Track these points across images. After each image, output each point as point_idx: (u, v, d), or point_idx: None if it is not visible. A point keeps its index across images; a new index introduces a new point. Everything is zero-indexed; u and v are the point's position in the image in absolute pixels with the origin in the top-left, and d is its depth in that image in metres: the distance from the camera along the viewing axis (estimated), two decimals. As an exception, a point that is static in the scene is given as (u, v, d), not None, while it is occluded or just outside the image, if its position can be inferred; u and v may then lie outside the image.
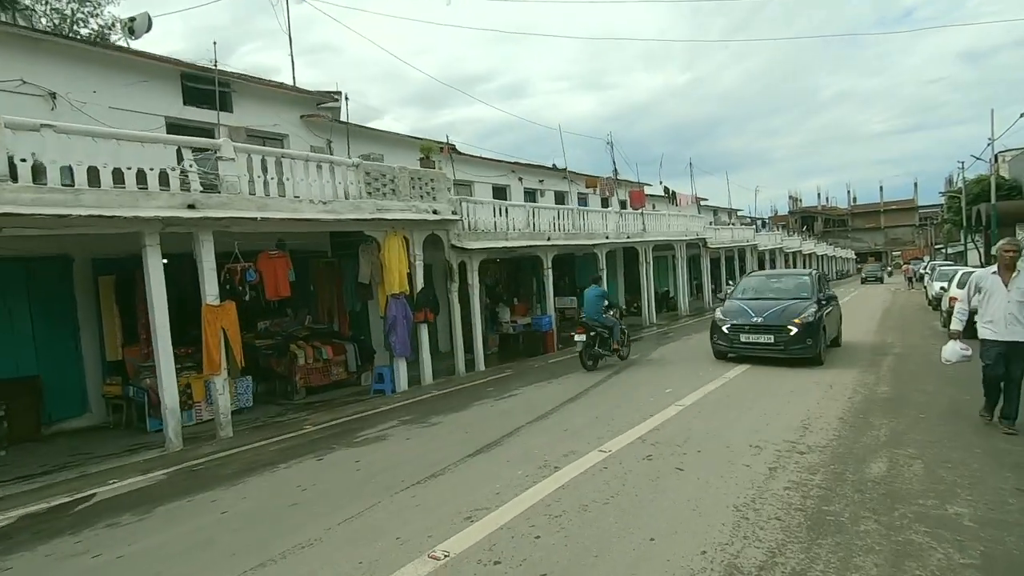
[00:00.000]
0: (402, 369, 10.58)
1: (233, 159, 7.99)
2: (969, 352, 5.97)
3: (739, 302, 11.15)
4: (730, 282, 26.09)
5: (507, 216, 13.28)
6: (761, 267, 34.71)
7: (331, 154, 11.83)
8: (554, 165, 20.29)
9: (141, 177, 7.07)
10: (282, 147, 11.73)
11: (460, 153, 16.48)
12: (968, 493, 4.23)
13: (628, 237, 18.83)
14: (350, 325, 12.36)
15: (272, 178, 8.58)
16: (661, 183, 24.66)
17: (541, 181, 20.01)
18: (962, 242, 38.27)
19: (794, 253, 46.04)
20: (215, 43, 10.37)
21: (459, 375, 11.85)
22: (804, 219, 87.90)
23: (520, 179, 19.02)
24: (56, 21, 17.75)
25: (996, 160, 25.74)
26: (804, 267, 48.53)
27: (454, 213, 11.81)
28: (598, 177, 19.09)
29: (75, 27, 17.92)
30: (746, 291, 11.88)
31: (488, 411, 7.95)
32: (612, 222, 17.95)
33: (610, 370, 10.67)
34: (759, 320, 10.12)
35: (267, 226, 8.49)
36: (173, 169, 7.37)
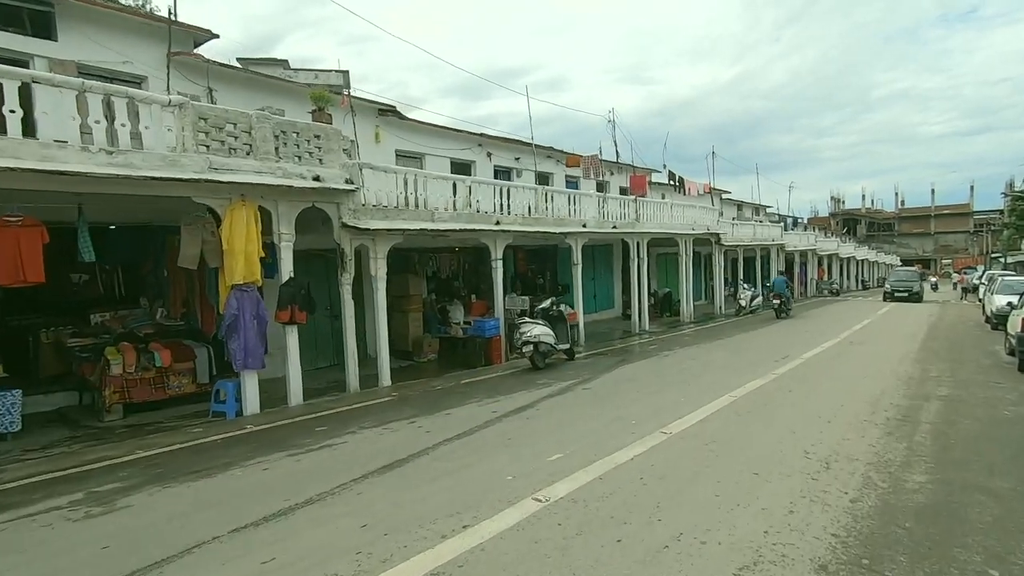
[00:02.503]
0: (251, 385, 7.80)
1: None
2: None
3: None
4: (745, 285, 22.47)
5: (428, 190, 10.29)
6: (788, 270, 30.63)
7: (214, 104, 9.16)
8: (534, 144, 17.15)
9: None
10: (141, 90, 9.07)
11: (405, 118, 13.59)
12: None
13: (615, 227, 15.60)
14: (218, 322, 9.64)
15: (12, 111, 5.89)
16: (665, 167, 21.18)
17: (517, 159, 16.93)
18: (1025, 250, 33.27)
19: (830, 256, 41.46)
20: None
21: (350, 392, 9.02)
22: (846, 222, 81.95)
23: (489, 155, 15.97)
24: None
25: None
26: (841, 273, 43.82)
27: (349, 182, 8.94)
28: (580, 155, 15.96)
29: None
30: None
31: (255, 478, 4.95)
32: (591, 207, 14.76)
33: (509, 414, 7.60)
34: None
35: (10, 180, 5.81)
36: None
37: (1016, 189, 37.23)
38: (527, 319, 10.28)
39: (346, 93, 10.54)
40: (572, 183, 18.84)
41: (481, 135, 15.69)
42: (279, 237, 8.16)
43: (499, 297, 12.02)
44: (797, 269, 33.93)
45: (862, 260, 52.37)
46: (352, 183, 8.99)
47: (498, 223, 11.72)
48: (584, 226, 14.34)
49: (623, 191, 20.53)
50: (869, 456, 5.04)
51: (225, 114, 7.67)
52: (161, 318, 9.13)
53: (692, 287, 26.67)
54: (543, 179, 18.43)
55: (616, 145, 21.48)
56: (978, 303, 22.41)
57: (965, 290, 30.71)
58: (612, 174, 21.34)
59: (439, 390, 8.77)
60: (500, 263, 12.00)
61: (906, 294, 26.29)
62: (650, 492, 4.15)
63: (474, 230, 11.16)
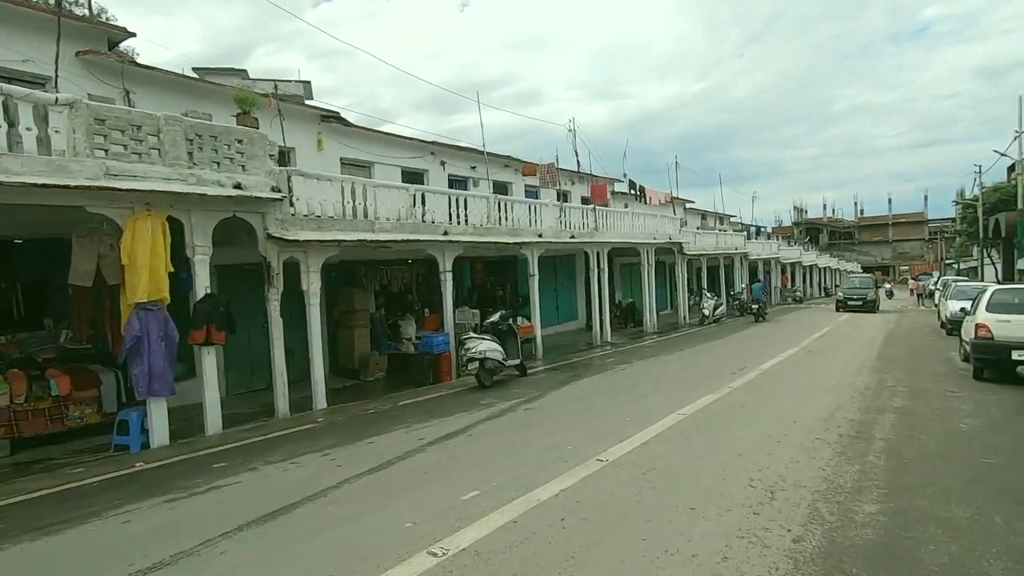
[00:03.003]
0: (159, 414, 7.01)
1: None
2: None
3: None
4: (708, 294, 22.33)
5: (370, 199, 9.67)
6: (753, 278, 30.78)
7: (131, 107, 8.40)
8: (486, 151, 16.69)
9: None
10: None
11: (351, 125, 12.97)
12: None
13: (573, 237, 15.18)
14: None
15: None
16: (626, 176, 20.97)
17: (473, 168, 16.43)
18: (976, 256, 34.19)
19: (793, 264, 42.03)
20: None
21: (278, 417, 8.28)
22: (809, 231, 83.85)
23: (443, 163, 15.45)
24: None
25: (1020, 170, 21.82)
26: (804, 280, 44.43)
27: (276, 190, 8.28)
28: (536, 164, 15.55)
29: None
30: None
31: (111, 534, 4.14)
32: (549, 217, 14.32)
33: (437, 441, 6.99)
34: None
35: None
36: None
37: (966, 198, 38.40)
38: (473, 334, 9.70)
39: (271, 95, 9.86)
40: (532, 193, 18.43)
41: (434, 143, 15.16)
42: (193, 250, 7.43)
43: (449, 311, 11.42)
44: (761, 277, 34.18)
45: (824, 268, 53.45)
46: (280, 191, 8.34)
47: (446, 233, 11.15)
48: (540, 236, 13.88)
49: (585, 201, 20.23)
50: (818, 482, 4.58)
51: (128, 115, 6.97)
52: (66, 341, 8.25)
53: (656, 297, 26.54)
54: (501, 188, 17.98)
55: (577, 155, 21.20)
56: (934, 309, 22.72)
57: (920, 296, 31.30)
58: (573, 183, 21.04)
59: (371, 414, 8.10)
60: (449, 275, 11.41)
61: (860, 303, 24.12)
62: (567, 539, 3.59)
63: (420, 241, 10.57)
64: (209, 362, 7.60)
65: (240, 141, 8.04)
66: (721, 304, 21.95)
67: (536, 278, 13.91)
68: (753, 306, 21.52)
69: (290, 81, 21.84)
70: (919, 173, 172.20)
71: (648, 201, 20.76)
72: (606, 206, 19.36)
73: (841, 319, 21.83)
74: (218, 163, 7.73)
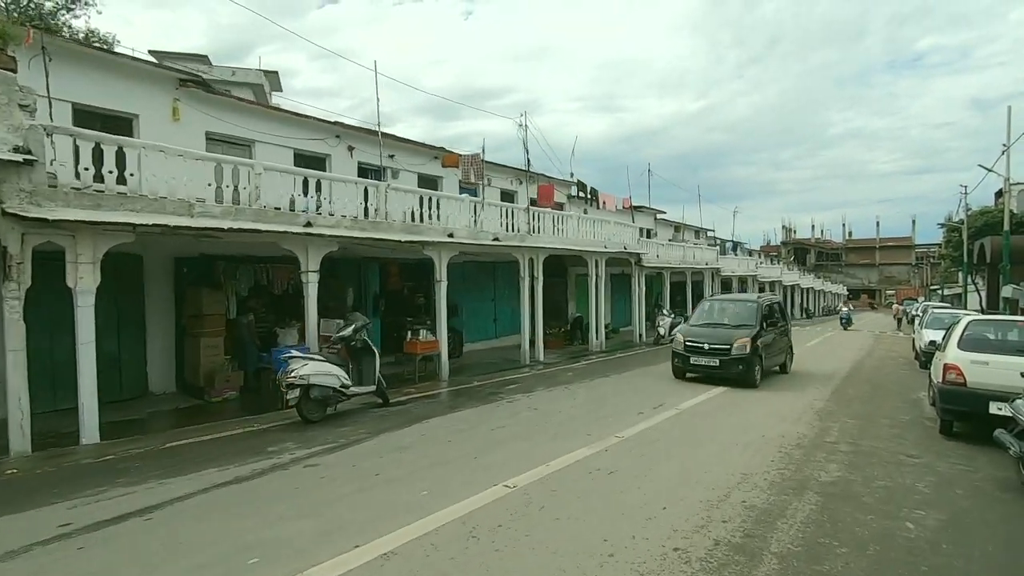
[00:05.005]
0: None
1: None
2: None
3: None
4: (665, 311, 20.25)
5: (163, 172, 7.47)
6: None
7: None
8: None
9: None
10: None
11: (215, 92, 10.81)
12: None
13: (497, 239, 13.05)
14: None
15: None
16: (573, 176, 18.86)
17: (392, 156, 14.30)
18: (961, 282, 32.29)
19: (772, 283, 40.04)
20: None
21: (11, 457, 6.08)
22: (797, 251, 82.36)
23: (351, 149, 13.29)
24: None
25: (1007, 187, 19.91)
26: (786, 301, 42.36)
27: (20, 151, 6.14)
28: (458, 153, 13.43)
29: None
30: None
31: None
32: (462, 213, 12.21)
33: (108, 523, 4.78)
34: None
35: None
36: None
37: (952, 221, 36.61)
38: (297, 353, 7.50)
39: (30, 25, 7.71)
40: (469, 190, 16.31)
41: (337, 124, 13.02)
42: None
43: (311, 321, 9.22)
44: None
45: (807, 289, 51.44)
46: (28, 152, 6.19)
47: (309, 225, 9.00)
48: (451, 236, 11.75)
49: (534, 202, 18.13)
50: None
51: None
52: None
53: (613, 313, 24.44)
54: (430, 184, 15.89)
55: (528, 152, 19.12)
56: (912, 335, 20.71)
57: (899, 320, 29.34)
58: (520, 183, 18.96)
59: (103, 462, 5.82)
60: (314, 277, 9.24)
61: (715, 365, 10.28)
62: None
63: (265, 232, 8.40)
64: None
65: (-35, 82, 5.91)
66: (680, 322, 19.80)
67: (444, 284, 11.77)
68: None
69: (250, 70, 19.83)
70: (910, 199, 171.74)
71: (601, 206, 18.67)
72: (554, 208, 17.29)
73: (809, 344, 19.76)
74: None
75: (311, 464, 5.46)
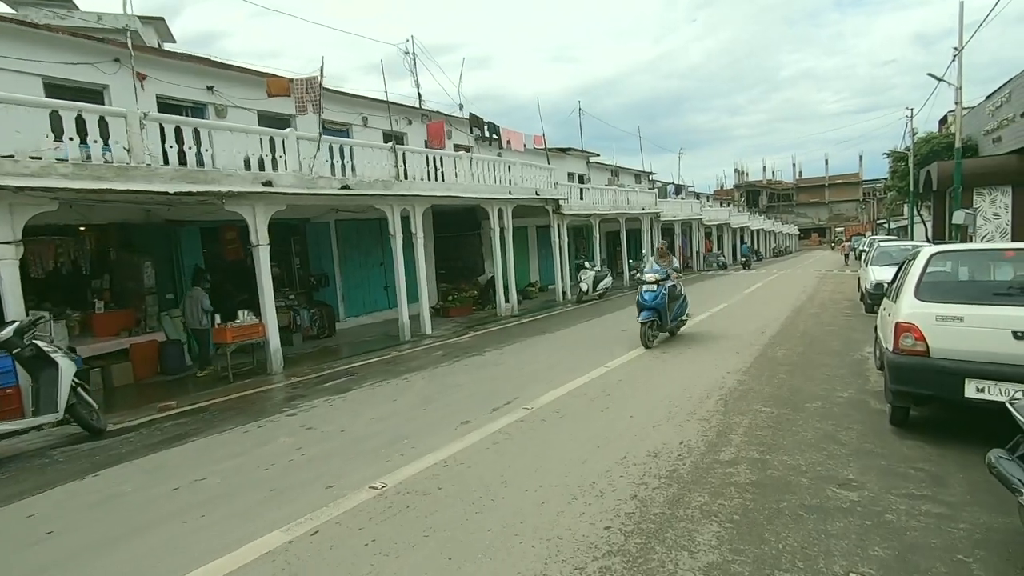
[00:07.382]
0: None
1: None
2: None
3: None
4: (587, 264, 17.83)
5: None
6: (671, 244, 26.42)
7: None
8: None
9: None
10: None
11: None
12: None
13: (347, 188, 10.13)
14: None
15: None
16: (462, 107, 15.86)
17: (211, 88, 11.01)
18: (907, 214, 30.92)
19: (720, 226, 38.20)
20: None
21: None
22: (749, 193, 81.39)
23: (141, 76, 9.92)
24: None
25: (959, 97, 17.80)
26: (733, 243, 40.57)
27: None
28: (287, 79, 10.25)
29: None
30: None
31: None
32: (289, 156, 9.23)
33: None
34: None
35: None
36: None
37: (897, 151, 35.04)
38: None
39: None
40: (341, 132, 13.11)
41: (111, 42, 9.60)
42: None
43: (8, 308, 6.27)
44: (679, 241, 30.09)
45: (757, 230, 50.01)
46: None
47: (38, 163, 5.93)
48: (268, 185, 8.80)
49: (427, 145, 15.11)
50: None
51: None
52: None
53: (536, 270, 21.92)
54: (281, 123, 12.64)
55: (419, 86, 15.98)
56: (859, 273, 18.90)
57: (846, 257, 27.86)
58: (410, 123, 15.85)
59: None
60: (18, 249, 6.24)
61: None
62: None
63: None
64: None
65: None
66: (605, 276, 17.45)
67: (265, 248, 8.94)
68: (743, 259, 31.61)
69: (119, 15, 15.67)
70: (858, 138, 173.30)
71: (505, 146, 15.78)
72: (443, 149, 14.31)
73: (749, 290, 17.73)
74: None
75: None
